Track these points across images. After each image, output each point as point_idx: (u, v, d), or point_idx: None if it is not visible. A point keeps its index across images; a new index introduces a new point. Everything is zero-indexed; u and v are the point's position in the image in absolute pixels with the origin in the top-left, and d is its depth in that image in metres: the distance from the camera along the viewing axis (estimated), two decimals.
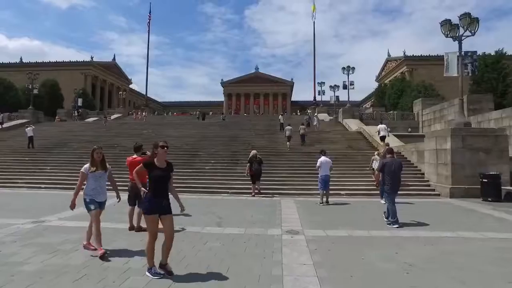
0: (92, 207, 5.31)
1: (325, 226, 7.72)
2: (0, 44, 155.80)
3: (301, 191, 13.45)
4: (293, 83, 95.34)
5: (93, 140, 24.25)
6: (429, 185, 14.17)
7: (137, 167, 5.07)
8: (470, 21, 13.06)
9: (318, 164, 11.17)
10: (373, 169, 12.62)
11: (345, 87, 33.52)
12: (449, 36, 13.99)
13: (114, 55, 78.91)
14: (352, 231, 7.30)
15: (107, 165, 5.57)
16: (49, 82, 48.21)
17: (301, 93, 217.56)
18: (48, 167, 17.10)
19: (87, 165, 5.40)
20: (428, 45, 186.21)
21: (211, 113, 57.14)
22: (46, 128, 29.81)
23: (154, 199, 4.30)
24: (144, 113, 43.10)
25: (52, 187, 14.40)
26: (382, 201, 10.87)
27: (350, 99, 34.56)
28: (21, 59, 73.43)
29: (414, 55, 63.64)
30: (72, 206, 5.36)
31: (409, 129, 29.87)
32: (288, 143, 20.71)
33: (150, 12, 52.43)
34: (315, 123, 27.49)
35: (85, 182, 5.43)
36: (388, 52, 70.22)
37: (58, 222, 7.84)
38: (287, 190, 13.55)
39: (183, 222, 7.50)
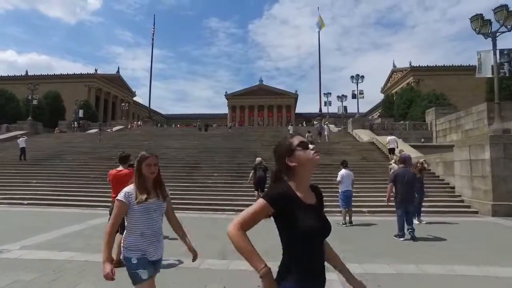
0: (144, 275, 2.45)
1: (360, 257, 5.92)
2: (10, 59, 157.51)
3: None
4: (297, 95, 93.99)
5: (90, 151, 22.74)
6: (462, 201, 12.31)
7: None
8: (507, 15, 11.43)
9: (338, 178, 9.51)
10: None
11: (354, 96, 31.88)
12: (480, 33, 12.37)
13: (118, 68, 77.90)
14: (397, 264, 5.51)
15: (166, 190, 2.79)
16: (51, 94, 47.16)
17: (305, 105, 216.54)
18: (34, 181, 15.42)
19: (129, 189, 2.57)
20: (430, 58, 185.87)
21: (214, 125, 55.67)
22: (42, 140, 28.35)
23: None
24: (139, 123, 42.92)
25: (36, 204, 12.72)
26: (416, 222, 9.14)
27: (355, 111, 33.08)
28: (26, 72, 72.94)
29: (420, 65, 62.20)
30: (110, 276, 2.36)
31: (422, 140, 28.09)
32: None
33: (154, 25, 51.51)
34: (326, 133, 25.59)
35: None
36: (394, 63, 68.88)
37: (18, 253, 6.10)
38: None
39: (180, 251, 5.71)
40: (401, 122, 33.17)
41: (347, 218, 9.34)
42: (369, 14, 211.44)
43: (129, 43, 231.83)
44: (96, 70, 68.58)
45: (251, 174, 11.94)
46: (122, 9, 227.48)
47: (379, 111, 59.66)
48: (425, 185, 10.48)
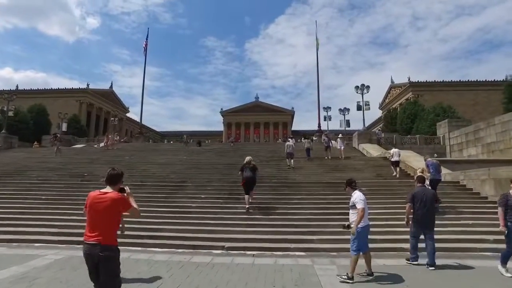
0: None
1: None
2: (6, 76, 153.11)
3: (338, 243, 8.16)
4: (294, 112, 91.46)
5: (60, 167, 19.19)
6: None
7: None
8: None
9: (362, 203, 5.68)
10: None
11: (359, 108, 28.81)
12: None
13: (112, 83, 74.87)
14: None
15: None
16: (36, 108, 43.69)
17: (301, 123, 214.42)
18: None
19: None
20: (423, 76, 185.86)
21: (208, 141, 52.29)
22: (12, 154, 24.70)
23: None
24: (116, 137, 31.46)
25: None
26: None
27: (353, 128, 30.09)
28: (17, 86, 69.55)
29: (419, 81, 59.99)
30: None
31: (435, 155, 24.90)
32: (287, 160, 17.96)
33: (147, 38, 48.69)
34: (339, 146, 21.35)
35: None
36: (392, 79, 66.75)
37: None
38: (317, 243, 8.28)
39: None
40: (409, 136, 30.10)
41: (357, 268, 5.84)
42: (363, 34, 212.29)
43: (126, 61, 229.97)
44: (88, 85, 65.54)
45: (239, 173, 10.77)
46: (120, 28, 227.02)
47: (380, 126, 56.89)
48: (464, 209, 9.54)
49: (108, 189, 3.41)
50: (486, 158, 20.37)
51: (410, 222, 6.78)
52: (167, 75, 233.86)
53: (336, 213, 9.81)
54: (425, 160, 12.10)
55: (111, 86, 73.18)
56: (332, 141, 21.33)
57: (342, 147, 20.96)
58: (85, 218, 3.42)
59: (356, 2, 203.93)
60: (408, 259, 6.84)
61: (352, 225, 5.68)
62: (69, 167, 19.18)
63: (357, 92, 28.84)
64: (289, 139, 23.05)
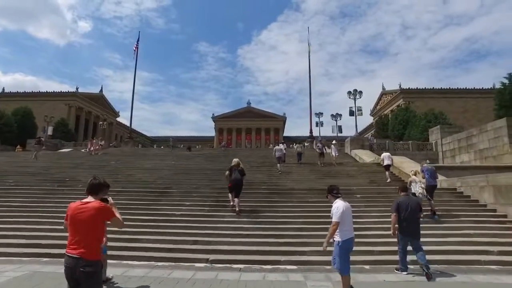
0: None
1: None
2: None
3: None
4: (286, 118, 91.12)
5: (41, 172, 18.20)
6: None
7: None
8: None
9: (337, 216, 4.86)
10: (414, 194, 9.58)
11: (351, 113, 28.40)
12: None
13: (102, 87, 73.70)
14: None
15: None
16: (21, 111, 42.33)
17: (293, 129, 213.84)
18: None
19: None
20: (413, 84, 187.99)
21: (198, 146, 51.39)
22: None
23: None
24: (101, 142, 29.19)
25: None
26: None
27: (345, 134, 29.55)
28: (3, 89, 67.96)
29: (410, 88, 60.23)
30: None
31: (427, 161, 24.52)
32: (278, 165, 17.68)
33: (138, 41, 47.79)
34: (333, 152, 20.31)
35: None
36: (383, 86, 66.94)
37: None
38: (310, 256, 7.57)
39: None
40: (401, 142, 29.74)
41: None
42: (354, 41, 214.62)
43: (118, 66, 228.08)
44: (77, 88, 64.17)
45: (226, 174, 10.55)
46: (112, 32, 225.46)
47: (372, 133, 56.77)
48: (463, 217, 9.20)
49: (89, 199, 3.24)
50: (480, 164, 20.02)
51: (397, 232, 6.56)
52: (159, 80, 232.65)
53: (330, 223, 9.13)
54: (421, 165, 11.69)
55: (101, 90, 71.92)
56: (326, 148, 20.53)
57: (336, 154, 20.26)
58: (58, 228, 2.94)
59: (347, 10, 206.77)
60: (397, 269, 6.62)
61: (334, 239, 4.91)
62: (51, 172, 18.24)
63: (349, 97, 28.47)
64: (280, 144, 22.51)
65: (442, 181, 13.51)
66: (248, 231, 8.80)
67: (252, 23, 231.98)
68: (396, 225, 6.53)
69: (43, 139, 30.90)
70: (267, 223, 9.32)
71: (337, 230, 4.84)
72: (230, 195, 10.25)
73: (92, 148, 27.10)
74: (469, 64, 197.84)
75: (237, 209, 9.86)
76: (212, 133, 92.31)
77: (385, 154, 17.18)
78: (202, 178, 16.07)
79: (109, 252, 7.48)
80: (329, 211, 9.79)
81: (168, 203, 11.24)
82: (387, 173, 15.98)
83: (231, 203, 10.15)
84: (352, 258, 5.09)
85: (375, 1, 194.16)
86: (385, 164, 16.57)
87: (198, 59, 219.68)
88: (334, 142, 22.51)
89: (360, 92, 28.16)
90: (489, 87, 62.17)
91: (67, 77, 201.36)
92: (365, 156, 23.73)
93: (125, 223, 8.88)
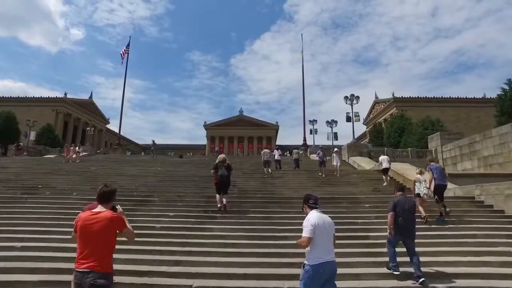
0: None
1: None
2: None
3: (347, 280, 5.91)
4: (278, 126, 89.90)
5: (12, 178, 16.35)
6: None
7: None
8: None
9: (306, 231, 3.75)
10: (418, 195, 9.08)
11: (348, 119, 27.12)
12: None
13: (91, 93, 71.33)
14: None
15: None
16: (3, 115, 40.16)
17: (285, 138, 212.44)
18: None
19: None
20: (404, 94, 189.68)
21: (190, 154, 49.64)
22: None
23: None
24: (78, 149, 26.71)
25: None
26: None
27: (339, 142, 28.22)
28: None
29: (403, 96, 59.70)
30: None
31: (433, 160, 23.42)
32: (265, 169, 17.08)
33: (128, 46, 46.18)
34: (334, 162, 17.79)
35: None
36: (376, 94, 66.35)
37: None
38: None
39: None
40: (400, 149, 28.56)
41: None
42: (346, 52, 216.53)
43: (110, 73, 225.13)
44: (66, 94, 61.98)
45: (211, 172, 10.09)
46: (104, 40, 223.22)
47: (366, 141, 55.80)
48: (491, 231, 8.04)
49: (100, 208, 3.08)
50: (486, 172, 18.79)
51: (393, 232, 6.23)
52: (151, 88, 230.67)
53: (338, 237, 7.59)
54: (428, 163, 10.41)
55: (91, 96, 69.75)
56: (334, 155, 18.25)
57: (338, 163, 17.75)
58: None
59: (339, 21, 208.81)
60: (389, 268, 6.15)
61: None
62: (22, 178, 16.42)
63: (346, 103, 27.24)
64: (275, 150, 21.16)
65: (456, 188, 12.19)
66: (242, 248, 7.20)
67: (245, 33, 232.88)
68: (392, 226, 6.23)
69: (21, 143, 28.89)
70: (265, 238, 7.72)
71: (308, 250, 3.76)
72: (217, 196, 9.59)
73: (70, 155, 24.49)
74: (457, 75, 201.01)
75: (224, 202, 9.36)
76: (204, 141, 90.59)
77: (383, 157, 16.23)
78: (190, 186, 14.46)
79: (66, 278, 5.89)
80: (343, 222, 8.35)
81: (147, 213, 9.57)
82: (384, 177, 15.28)
83: (219, 205, 9.45)
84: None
85: (367, 12, 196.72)
86: (383, 167, 15.70)
87: (191, 68, 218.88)
88: (336, 149, 19.82)
89: (357, 97, 26.97)
90: (480, 97, 62.22)
91: (58, 84, 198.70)
92: (364, 163, 22.40)
93: None
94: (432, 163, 10.25)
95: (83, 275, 2.78)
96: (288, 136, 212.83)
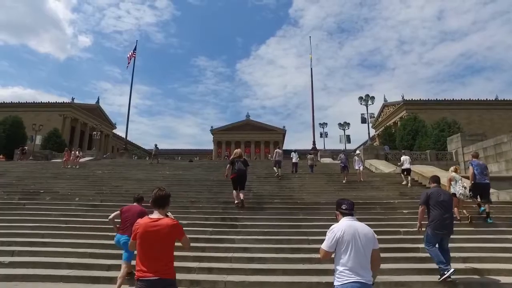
0: None
1: None
2: None
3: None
4: (285, 131, 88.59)
5: (14, 182, 15.42)
6: None
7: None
8: None
9: (326, 244, 2.97)
10: (454, 195, 7.82)
11: (363, 121, 25.85)
12: None
13: (98, 98, 70.90)
14: None
15: None
16: (9, 120, 39.51)
17: (291, 143, 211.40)
18: None
19: None
20: (412, 97, 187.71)
21: (196, 158, 48.66)
22: None
23: None
24: (78, 153, 24.80)
25: None
26: None
27: (346, 148, 26.80)
28: None
29: (413, 99, 58.23)
30: None
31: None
32: (275, 168, 16.64)
33: (135, 49, 45.56)
34: (357, 166, 15.91)
35: None
36: (385, 97, 64.87)
37: None
38: None
39: None
40: (419, 152, 27.19)
41: None
42: (352, 56, 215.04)
43: (117, 79, 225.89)
44: (73, 99, 61.49)
45: (227, 167, 9.79)
46: (111, 46, 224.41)
47: (375, 144, 54.28)
48: None
49: (156, 214, 2.91)
50: None
51: (423, 228, 5.83)
52: (157, 93, 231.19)
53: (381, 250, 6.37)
54: (471, 157, 9.66)
55: (98, 101, 69.23)
56: (356, 158, 16.56)
57: (361, 168, 15.89)
58: None
59: (345, 25, 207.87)
60: (442, 273, 5.27)
61: None
62: (24, 183, 15.44)
63: (361, 104, 25.99)
64: (293, 153, 20.24)
65: (499, 192, 10.91)
66: (272, 264, 6.00)
67: (251, 38, 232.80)
68: (424, 222, 5.85)
69: (26, 148, 28.08)
70: (296, 250, 6.52)
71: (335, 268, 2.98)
72: (234, 192, 9.47)
73: (70, 159, 22.86)
74: (464, 78, 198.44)
75: (242, 198, 9.21)
76: (210, 146, 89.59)
77: (405, 157, 15.26)
78: (202, 190, 13.30)
79: None
80: (383, 231, 7.14)
81: None
82: (408, 177, 14.53)
83: (236, 201, 9.32)
84: None
85: (372, 16, 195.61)
86: (405, 167, 14.81)
87: (197, 73, 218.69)
88: (357, 152, 17.90)
89: (373, 98, 25.72)
90: (493, 99, 60.52)
91: (66, 90, 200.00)
92: (382, 166, 21.08)
93: (93, 251, 6.13)
94: (474, 159, 9.28)
95: (150, 284, 2.68)
96: (294, 140, 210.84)
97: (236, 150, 10.26)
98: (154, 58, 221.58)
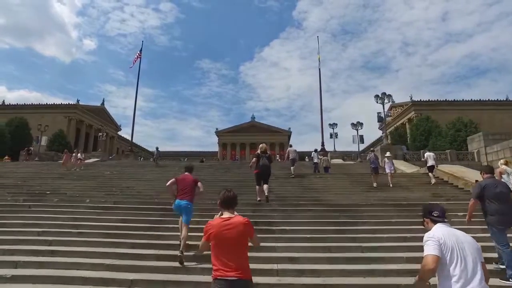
0: None
1: None
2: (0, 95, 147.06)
3: None
4: (291, 132, 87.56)
5: (19, 184, 14.46)
6: None
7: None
8: None
9: (428, 249, 2.47)
10: None
11: (380, 119, 24.76)
12: None
13: (103, 100, 70.27)
14: None
15: None
16: (15, 121, 38.74)
17: (296, 145, 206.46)
18: None
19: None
20: (417, 99, 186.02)
21: (204, 159, 47.60)
22: None
23: None
24: (80, 155, 22.58)
25: None
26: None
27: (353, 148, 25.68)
28: (3, 101, 64.78)
29: (421, 100, 57.03)
30: None
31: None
32: (292, 167, 16.07)
33: (141, 50, 44.74)
34: (387, 169, 14.24)
35: None
36: (392, 99, 63.53)
37: None
38: None
39: None
40: (438, 151, 26.03)
41: None
42: (356, 58, 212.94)
43: (121, 82, 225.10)
44: (78, 101, 60.78)
45: (253, 160, 9.49)
46: (116, 49, 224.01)
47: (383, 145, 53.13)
48: None
49: (227, 214, 2.92)
50: None
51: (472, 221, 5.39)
52: (161, 96, 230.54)
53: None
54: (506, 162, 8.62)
55: (103, 103, 68.52)
56: (386, 160, 14.83)
57: (392, 170, 14.30)
58: None
59: (348, 27, 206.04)
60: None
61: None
62: (30, 183, 14.48)
63: (377, 102, 24.97)
64: (314, 152, 19.60)
65: None
66: (327, 277, 4.90)
67: (254, 40, 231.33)
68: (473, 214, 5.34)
69: (32, 148, 27.19)
70: (348, 261, 5.41)
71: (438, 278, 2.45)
72: (257, 187, 9.31)
73: (72, 162, 20.87)
74: (469, 80, 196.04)
75: (266, 193, 9.13)
76: (215, 148, 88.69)
77: (429, 154, 15.05)
78: (217, 192, 12.23)
79: None
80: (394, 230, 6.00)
81: (177, 226, 7.35)
82: (430, 174, 14.18)
83: (258, 198, 9.20)
84: None
85: (376, 18, 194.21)
86: (429, 164, 14.46)
87: (201, 76, 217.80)
88: (388, 154, 15.64)
89: (389, 96, 24.65)
90: (504, 99, 59.23)
91: (71, 93, 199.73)
92: (403, 166, 19.99)
93: (111, 262, 5.11)
94: None
95: (231, 284, 2.62)
96: (299, 142, 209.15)
97: (261, 144, 9.88)
98: (158, 60, 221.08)
